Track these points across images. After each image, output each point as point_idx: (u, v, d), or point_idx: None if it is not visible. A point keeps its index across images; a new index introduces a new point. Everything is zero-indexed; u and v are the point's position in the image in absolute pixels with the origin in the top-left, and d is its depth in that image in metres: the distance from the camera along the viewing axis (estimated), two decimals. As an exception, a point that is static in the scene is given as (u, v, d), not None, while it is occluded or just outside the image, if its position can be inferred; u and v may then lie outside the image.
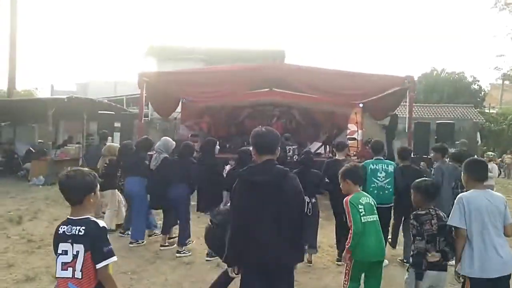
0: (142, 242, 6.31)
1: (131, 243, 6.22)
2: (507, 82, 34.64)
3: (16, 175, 13.86)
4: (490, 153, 14.04)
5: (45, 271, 4.96)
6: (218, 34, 79.04)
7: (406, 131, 10.47)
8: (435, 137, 11.35)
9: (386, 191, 5.46)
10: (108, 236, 2.41)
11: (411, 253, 3.50)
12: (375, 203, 3.80)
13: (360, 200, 3.64)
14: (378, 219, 3.68)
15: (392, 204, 5.59)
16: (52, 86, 28.82)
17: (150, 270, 5.20)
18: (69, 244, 2.27)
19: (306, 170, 5.49)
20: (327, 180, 5.61)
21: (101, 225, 2.35)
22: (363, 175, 4.07)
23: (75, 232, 2.28)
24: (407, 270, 3.52)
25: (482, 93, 35.62)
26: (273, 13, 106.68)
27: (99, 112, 12.77)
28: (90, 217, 2.37)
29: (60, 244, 2.30)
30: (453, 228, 3.21)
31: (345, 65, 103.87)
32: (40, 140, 15.71)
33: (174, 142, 6.47)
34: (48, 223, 7.42)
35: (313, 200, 5.45)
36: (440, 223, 3.33)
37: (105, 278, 2.30)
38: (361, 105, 12.76)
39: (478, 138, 23.01)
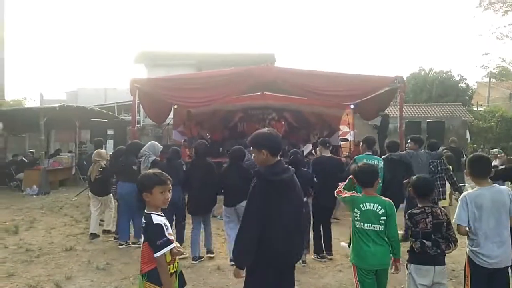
0: (133, 243, 6.49)
1: (120, 244, 6.43)
2: (493, 80, 35.10)
3: (8, 185, 13.78)
4: (495, 150, 14.23)
5: (46, 280, 4.99)
6: (208, 39, 79.19)
7: (398, 130, 10.62)
8: (426, 135, 11.51)
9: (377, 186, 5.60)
10: (161, 229, 2.63)
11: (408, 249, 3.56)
12: (389, 212, 3.36)
13: (361, 205, 3.38)
14: (383, 229, 3.33)
15: None
16: (42, 95, 28.69)
17: (151, 275, 5.22)
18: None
19: (297, 169, 5.58)
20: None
21: (154, 222, 2.63)
22: (371, 173, 3.54)
23: (142, 224, 2.69)
24: (406, 266, 3.53)
25: (470, 91, 36.06)
26: (262, 17, 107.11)
27: (92, 120, 12.77)
28: (151, 213, 2.68)
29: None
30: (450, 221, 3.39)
31: (334, 67, 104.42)
32: (30, 150, 15.61)
33: (160, 146, 6.56)
34: (45, 232, 7.42)
35: (305, 199, 5.55)
36: (435, 221, 3.37)
37: (159, 264, 2.62)
38: (352, 106, 12.89)
39: (468, 136, 23.29)
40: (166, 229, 2.68)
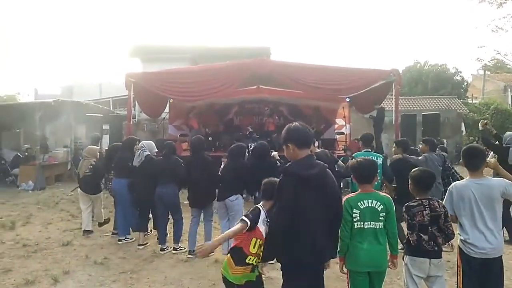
0: (131, 239, 6.50)
1: (119, 240, 6.44)
2: (488, 73, 35.16)
3: (4, 181, 13.70)
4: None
5: (44, 274, 4.98)
6: (203, 33, 78.74)
7: (393, 123, 10.65)
8: (422, 128, 11.54)
9: (375, 183, 5.64)
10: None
11: (404, 240, 3.57)
12: (389, 208, 3.25)
13: (359, 204, 3.22)
14: (382, 227, 3.23)
15: None
16: (36, 90, 28.52)
17: (149, 269, 5.24)
18: None
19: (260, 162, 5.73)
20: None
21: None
22: (371, 169, 3.41)
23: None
24: (403, 258, 3.54)
25: (465, 84, 36.18)
26: (257, 10, 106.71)
27: (87, 114, 12.71)
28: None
29: None
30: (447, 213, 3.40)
31: (330, 60, 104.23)
32: (27, 145, 15.51)
33: (156, 149, 6.49)
34: (41, 227, 7.41)
35: None
36: (433, 213, 3.35)
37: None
38: (348, 99, 12.91)
39: (463, 128, 23.40)
40: None
